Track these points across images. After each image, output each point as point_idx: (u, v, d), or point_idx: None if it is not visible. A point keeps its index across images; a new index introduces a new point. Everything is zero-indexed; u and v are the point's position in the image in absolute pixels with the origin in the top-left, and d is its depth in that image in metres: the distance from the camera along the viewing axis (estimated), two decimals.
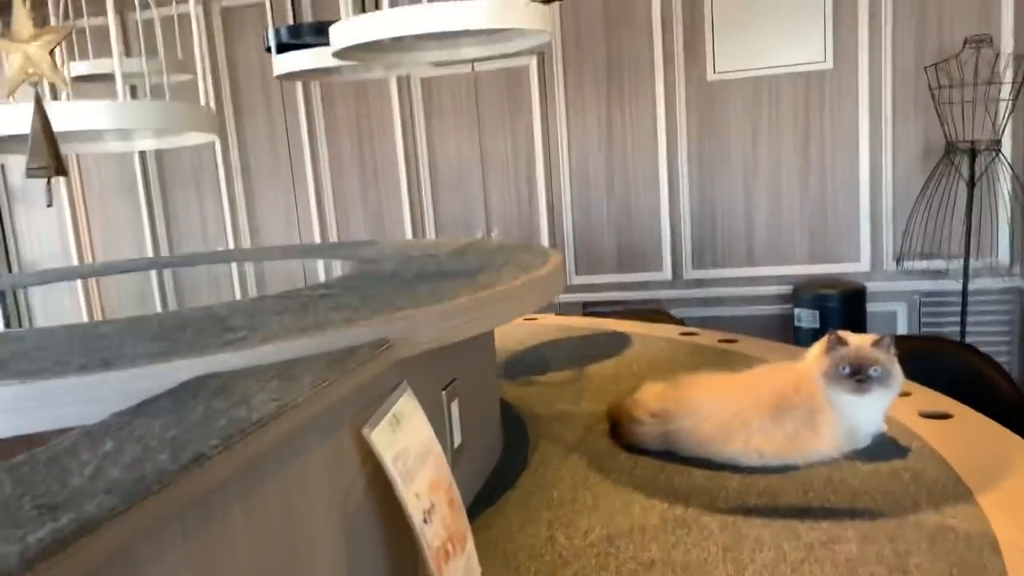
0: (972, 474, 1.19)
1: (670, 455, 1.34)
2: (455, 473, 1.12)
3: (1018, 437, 1.32)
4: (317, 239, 4.38)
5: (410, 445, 0.87)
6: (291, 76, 2.23)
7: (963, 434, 1.35)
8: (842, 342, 1.28)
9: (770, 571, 0.96)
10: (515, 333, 2.49)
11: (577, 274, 4.08)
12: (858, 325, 3.52)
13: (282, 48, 2.21)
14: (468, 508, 1.19)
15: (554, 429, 1.54)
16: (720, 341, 2.18)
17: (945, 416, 1.44)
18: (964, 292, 3.45)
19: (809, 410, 1.28)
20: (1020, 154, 3.50)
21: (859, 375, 1.25)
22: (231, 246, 4.53)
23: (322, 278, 1.74)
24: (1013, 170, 3.47)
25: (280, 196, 4.43)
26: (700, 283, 3.95)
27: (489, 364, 1.43)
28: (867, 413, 1.30)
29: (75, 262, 4.80)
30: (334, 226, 4.37)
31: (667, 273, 3.97)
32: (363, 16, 1.56)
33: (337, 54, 1.68)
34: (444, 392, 1.12)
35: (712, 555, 1.00)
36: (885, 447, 1.32)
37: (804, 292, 3.55)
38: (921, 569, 0.93)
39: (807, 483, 1.20)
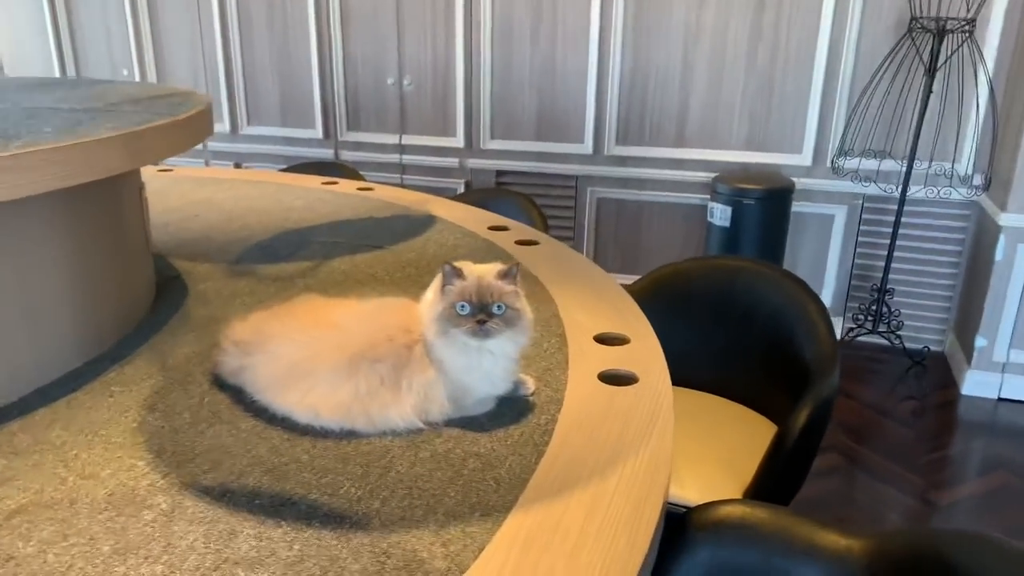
0: (549, 478, 0.92)
1: (243, 394, 1.09)
2: None
3: (660, 427, 1.03)
4: (221, 69, 4.02)
5: None
6: None
7: (623, 410, 1.07)
8: (458, 274, 1.00)
9: None
10: (337, 203, 2.20)
11: (492, 138, 3.70)
12: (777, 228, 3.15)
13: None
14: None
15: (180, 341, 1.29)
16: (517, 242, 1.88)
17: (629, 381, 1.16)
18: (901, 202, 3.03)
19: (395, 364, 1.01)
20: (1002, 40, 2.95)
21: (481, 313, 0.98)
22: (135, 69, 4.20)
23: None
24: (984, 59, 2.94)
25: (184, 17, 4.03)
26: (622, 161, 3.55)
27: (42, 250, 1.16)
28: (489, 366, 1.02)
29: None
30: (239, 55, 3.99)
31: (588, 147, 3.57)
32: None
33: None
34: None
35: (90, 558, 0.77)
36: (505, 417, 1.05)
37: (721, 183, 3.15)
38: None
39: (345, 460, 0.95)
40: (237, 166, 4.12)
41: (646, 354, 1.25)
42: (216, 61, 4.01)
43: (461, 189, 3.74)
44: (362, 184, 2.51)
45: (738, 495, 1.48)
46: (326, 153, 3.96)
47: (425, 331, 1.01)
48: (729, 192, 3.10)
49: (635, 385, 1.15)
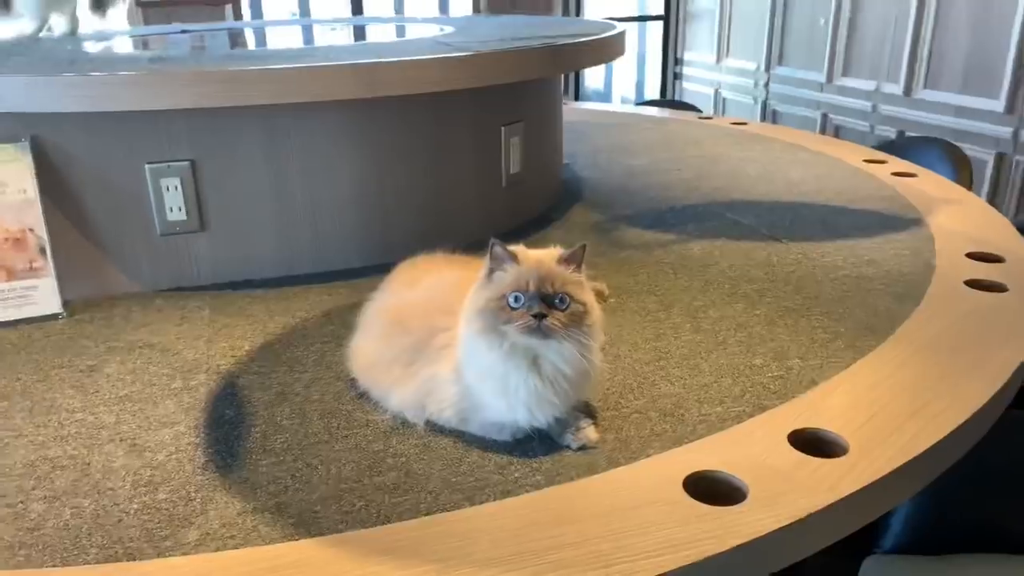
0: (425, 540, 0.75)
1: None
2: None
3: None
4: (911, 20, 3.63)
5: None
6: None
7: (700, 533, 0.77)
8: (512, 257, 0.84)
9: None
10: (841, 185, 1.91)
11: None
12: None
13: None
14: None
15: None
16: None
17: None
18: None
19: (415, 345, 0.94)
20: None
21: (540, 306, 0.80)
22: (831, 19, 4.12)
23: None
24: None
25: None
26: None
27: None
28: (517, 380, 0.83)
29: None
30: (933, 5, 3.52)
31: None
32: None
33: None
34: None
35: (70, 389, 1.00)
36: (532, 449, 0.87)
37: None
38: None
39: (309, 417, 0.95)
40: (900, 134, 3.72)
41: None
42: (908, 12, 3.62)
43: None
44: (905, 169, 2.04)
45: None
46: (1003, 132, 3.24)
47: (463, 324, 0.87)
48: None
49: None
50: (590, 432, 0.87)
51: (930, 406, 0.93)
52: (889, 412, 0.92)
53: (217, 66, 1.19)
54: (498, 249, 0.84)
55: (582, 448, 0.86)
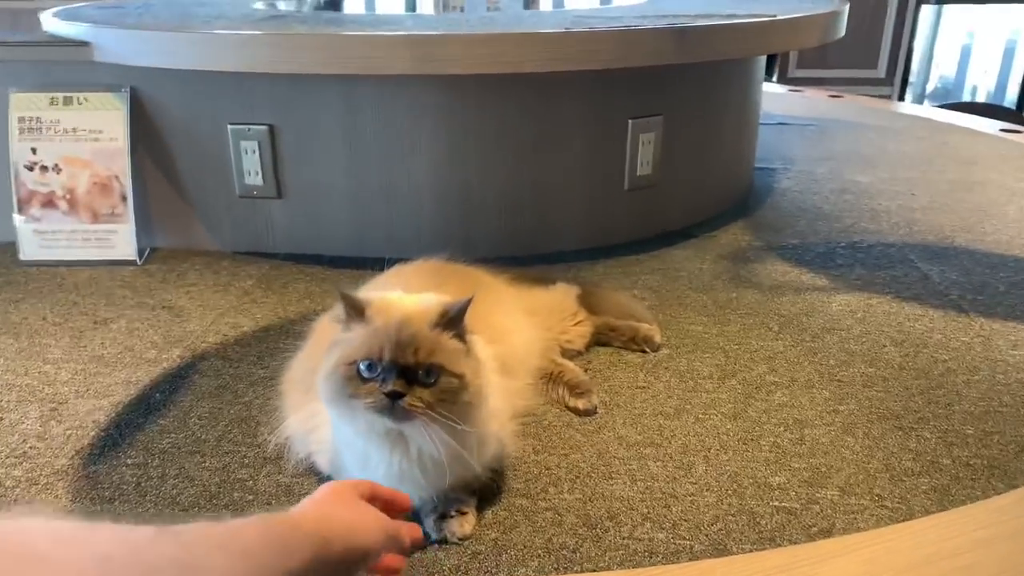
0: None
1: None
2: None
3: None
4: None
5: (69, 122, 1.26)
6: None
7: None
8: (361, 313, 0.66)
9: None
10: None
11: None
12: None
13: None
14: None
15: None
16: None
17: None
18: None
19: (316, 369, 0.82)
20: None
21: (397, 380, 0.62)
22: None
23: None
24: None
25: None
26: None
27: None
28: (394, 464, 0.67)
29: None
30: None
31: None
32: None
33: None
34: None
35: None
36: None
37: None
38: None
39: (215, 419, 0.88)
40: None
41: None
42: None
43: None
44: None
45: None
46: None
47: (321, 391, 0.68)
48: None
49: None
50: (458, 524, 0.70)
51: None
52: None
53: (269, 30, 1.15)
54: (347, 300, 0.66)
55: (443, 541, 0.69)
